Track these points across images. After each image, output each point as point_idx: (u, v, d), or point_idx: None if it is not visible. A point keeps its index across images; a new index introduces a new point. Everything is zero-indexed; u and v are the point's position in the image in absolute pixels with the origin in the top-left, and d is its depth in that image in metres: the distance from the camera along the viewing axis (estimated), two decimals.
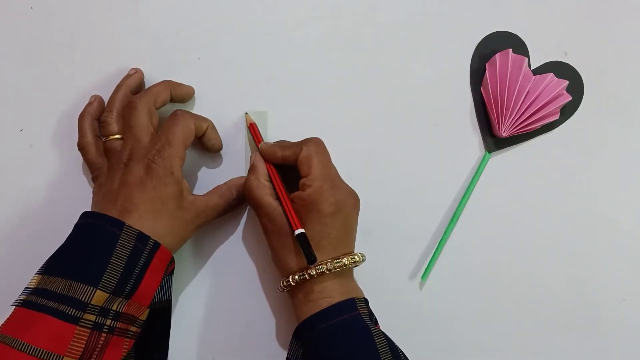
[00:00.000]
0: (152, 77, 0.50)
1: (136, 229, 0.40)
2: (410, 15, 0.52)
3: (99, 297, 0.38)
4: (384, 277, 0.50)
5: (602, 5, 0.53)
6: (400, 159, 0.51)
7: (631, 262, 0.52)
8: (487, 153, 0.51)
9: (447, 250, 0.51)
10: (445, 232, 0.50)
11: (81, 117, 0.48)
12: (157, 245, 0.41)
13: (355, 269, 0.47)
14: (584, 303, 0.51)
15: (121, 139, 0.45)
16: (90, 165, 0.46)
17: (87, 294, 0.37)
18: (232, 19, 0.51)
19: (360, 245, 0.48)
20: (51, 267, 0.39)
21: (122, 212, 0.40)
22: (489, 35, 0.52)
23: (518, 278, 0.51)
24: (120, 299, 0.39)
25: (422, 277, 0.50)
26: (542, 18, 0.52)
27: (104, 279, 0.38)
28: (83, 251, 0.39)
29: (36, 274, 0.40)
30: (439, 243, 0.50)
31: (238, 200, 0.48)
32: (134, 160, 0.42)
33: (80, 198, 0.50)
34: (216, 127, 0.49)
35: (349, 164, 0.51)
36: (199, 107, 0.51)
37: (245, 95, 0.51)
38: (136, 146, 0.43)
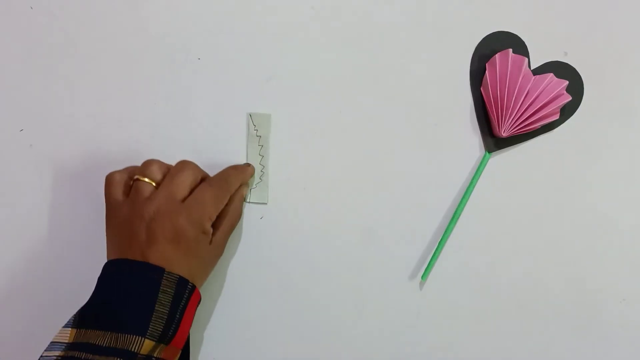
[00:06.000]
0: (152, 77, 0.50)
1: (176, 274, 0.40)
2: (410, 15, 0.52)
3: (147, 346, 0.38)
4: (384, 277, 0.50)
5: (602, 5, 0.53)
6: (400, 158, 0.51)
7: (631, 262, 0.52)
8: (487, 153, 0.51)
9: (447, 250, 0.51)
10: (445, 232, 0.50)
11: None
12: (193, 287, 0.41)
13: (355, 269, 0.47)
14: (584, 303, 0.51)
15: (154, 187, 0.43)
16: (109, 202, 0.43)
17: (136, 344, 0.37)
18: (232, 19, 0.51)
19: (360, 245, 0.48)
20: (89, 320, 0.38)
21: (159, 255, 0.40)
22: (489, 35, 0.52)
23: (518, 278, 0.51)
24: (162, 344, 0.39)
25: (422, 277, 0.50)
26: (542, 18, 0.52)
27: (151, 328, 0.38)
28: (126, 301, 0.39)
29: (66, 327, 0.38)
30: (439, 243, 0.50)
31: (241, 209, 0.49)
32: (163, 217, 0.40)
33: (80, 199, 0.50)
34: (215, 128, 0.49)
35: (349, 164, 0.51)
36: (199, 107, 0.51)
37: (246, 96, 0.51)
38: (168, 202, 0.41)
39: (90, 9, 0.51)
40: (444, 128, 0.52)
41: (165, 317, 0.39)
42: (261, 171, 0.50)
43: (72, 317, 0.39)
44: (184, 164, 0.44)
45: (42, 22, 0.51)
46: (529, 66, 0.51)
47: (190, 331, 0.49)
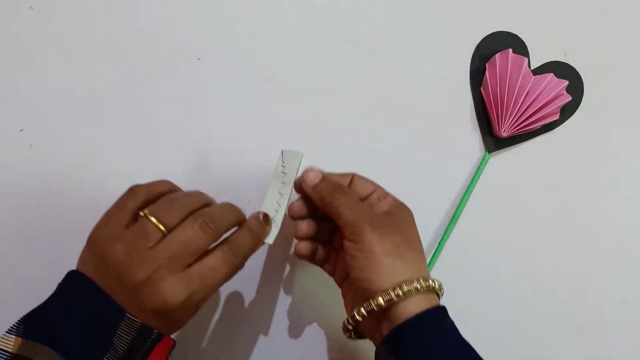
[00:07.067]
0: (152, 76, 0.50)
1: (139, 322, 0.35)
2: (410, 15, 0.52)
3: None
4: None
5: (602, 5, 0.53)
6: (400, 159, 0.51)
7: (631, 262, 0.52)
8: (487, 153, 0.51)
9: (447, 250, 0.51)
10: (445, 232, 0.50)
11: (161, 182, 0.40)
12: (160, 336, 0.36)
13: None
14: (583, 303, 0.51)
15: (162, 233, 0.35)
16: (115, 216, 0.37)
17: None
18: (232, 19, 0.51)
19: None
20: (35, 332, 0.33)
21: (137, 312, 0.35)
22: (489, 35, 0.52)
23: (518, 278, 0.51)
24: None
25: None
26: (542, 18, 0.52)
27: None
28: (79, 333, 0.34)
29: (9, 333, 0.33)
30: (439, 243, 0.50)
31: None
32: (156, 285, 0.34)
33: (80, 199, 0.50)
34: (215, 129, 0.49)
35: (349, 164, 0.51)
36: (199, 108, 0.51)
37: (246, 96, 0.51)
38: (170, 266, 0.35)
39: (90, 9, 0.51)
40: (444, 128, 0.52)
41: (123, 355, 0.35)
42: (275, 210, 0.43)
43: (17, 323, 0.34)
44: (214, 223, 0.36)
45: (42, 22, 0.51)
46: (529, 66, 0.51)
47: (190, 331, 0.49)
